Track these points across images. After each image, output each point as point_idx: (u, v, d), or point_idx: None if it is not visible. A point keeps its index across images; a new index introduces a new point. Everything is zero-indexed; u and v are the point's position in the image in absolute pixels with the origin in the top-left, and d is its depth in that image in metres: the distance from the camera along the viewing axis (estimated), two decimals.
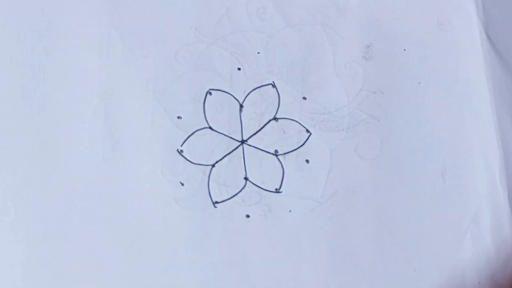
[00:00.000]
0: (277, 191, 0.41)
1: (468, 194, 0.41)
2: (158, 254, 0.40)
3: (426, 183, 0.41)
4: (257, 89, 0.41)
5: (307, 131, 0.41)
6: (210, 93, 0.40)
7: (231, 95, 0.41)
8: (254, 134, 0.41)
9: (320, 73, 0.40)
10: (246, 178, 0.41)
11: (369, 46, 0.41)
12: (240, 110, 0.41)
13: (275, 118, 0.41)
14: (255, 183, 0.41)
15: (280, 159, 0.41)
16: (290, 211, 0.41)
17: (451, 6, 0.42)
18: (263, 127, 0.41)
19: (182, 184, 0.40)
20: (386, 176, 0.41)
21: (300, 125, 0.41)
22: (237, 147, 0.41)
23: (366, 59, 0.41)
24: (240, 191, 0.41)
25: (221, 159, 0.41)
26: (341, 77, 0.41)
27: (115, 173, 0.40)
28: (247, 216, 0.41)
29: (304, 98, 0.40)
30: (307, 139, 0.41)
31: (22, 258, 0.39)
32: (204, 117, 0.40)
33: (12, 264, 0.39)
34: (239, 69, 0.40)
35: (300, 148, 0.41)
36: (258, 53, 0.40)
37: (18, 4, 0.40)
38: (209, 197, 0.40)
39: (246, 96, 0.41)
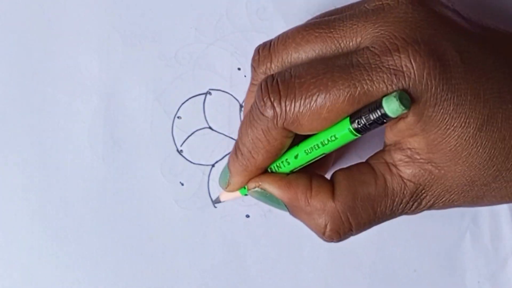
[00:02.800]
0: None
1: None
2: (158, 254, 0.40)
3: None
4: None
5: None
6: (210, 93, 0.40)
7: (231, 95, 0.41)
8: None
9: None
10: None
11: None
12: (240, 110, 0.41)
13: None
14: None
15: None
16: None
17: None
18: None
19: (182, 184, 0.40)
20: None
21: None
22: None
23: None
24: None
25: (221, 159, 0.41)
26: None
27: (115, 173, 0.40)
28: (247, 216, 0.41)
29: None
30: None
31: (22, 258, 0.39)
32: (204, 117, 0.40)
33: (12, 264, 0.39)
34: (239, 69, 0.41)
35: None
36: None
37: (18, 4, 0.40)
38: (209, 197, 0.40)
39: None
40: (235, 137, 0.40)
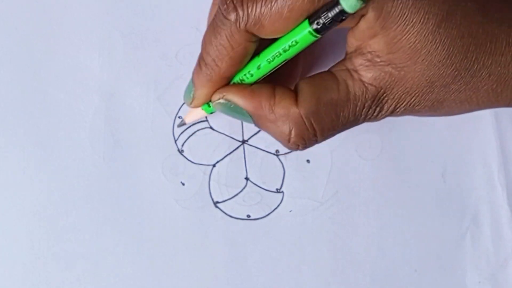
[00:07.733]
0: (278, 191, 0.41)
1: (468, 194, 0.41)
2: (159, 254, 0.40)
3: (426, 183, 0.41)
4: None
5: None
6: None
7: None
8: (255, 134, 0.41)
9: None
10: (247, 178, 0.41)
11: None
12: None
13: None
14: (256, 183, 0.41)
15: (281, 159, 0.41)
16: (291, 211, 0.41)
17: None
18: None
19: (183, 184, 0.40)
20: (387, 176, 0.41)
21: None
22: (238, 147, 0.41)
23: None
24: (241, 191, 0.41)
25: (222, 159, 0.40)
26: None
27: (116, 173, 0.40)
28: (248, 216, 0.41)
29: None
30: None
31: (22, 258, 0.39)
32: (205, 116, 0.40)
33: (12, 264, 0.39)
34: None
35: None
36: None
37: (18, 4, 0.40)
38: (209, 197, 0.40)
39: None
40: (237, 137, 0.40)
